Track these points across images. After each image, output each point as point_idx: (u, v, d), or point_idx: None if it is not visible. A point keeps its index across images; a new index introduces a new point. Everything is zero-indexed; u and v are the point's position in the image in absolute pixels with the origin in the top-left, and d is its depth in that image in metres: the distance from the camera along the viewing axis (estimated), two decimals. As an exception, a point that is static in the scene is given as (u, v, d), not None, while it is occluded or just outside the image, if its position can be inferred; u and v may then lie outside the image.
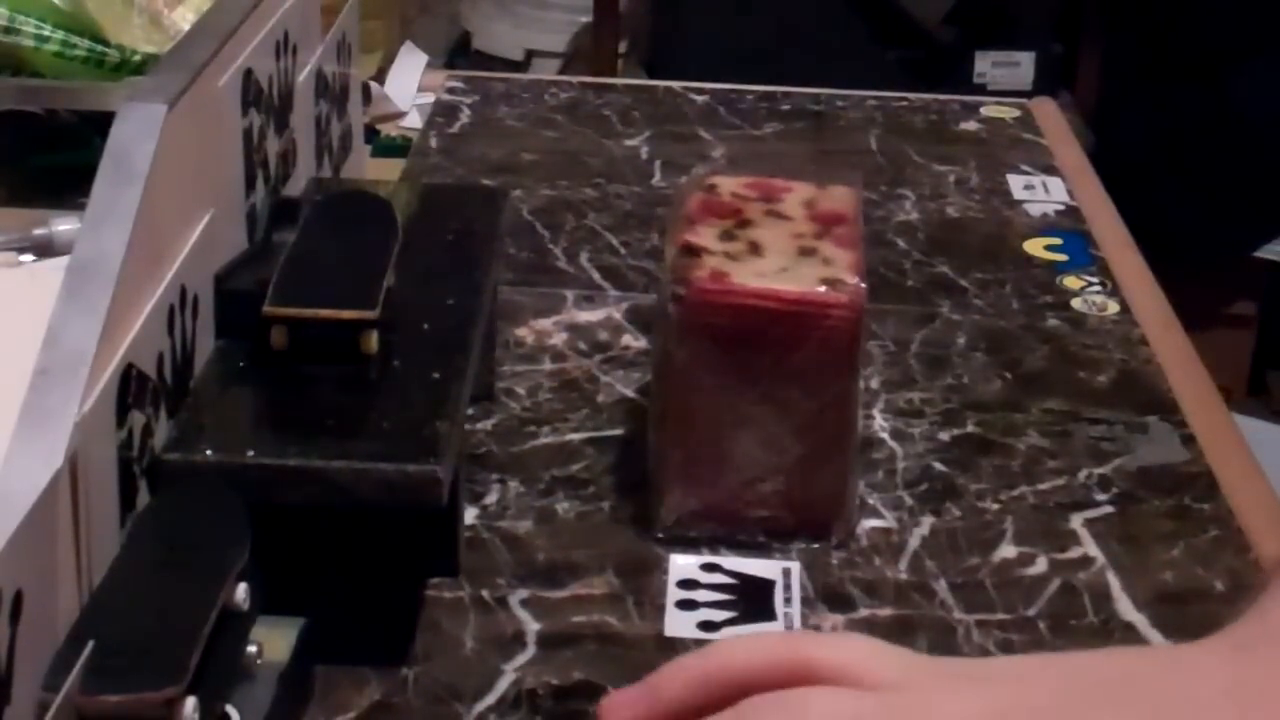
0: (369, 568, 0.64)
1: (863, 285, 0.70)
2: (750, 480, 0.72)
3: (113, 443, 0.58)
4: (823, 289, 0.70)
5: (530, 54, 2.78)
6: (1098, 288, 0.98)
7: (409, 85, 1.27)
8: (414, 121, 1.22)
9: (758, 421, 0.71)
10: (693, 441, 0.72)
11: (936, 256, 1.01)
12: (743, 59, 2.06)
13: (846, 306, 0.69)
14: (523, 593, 0.70)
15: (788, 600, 0.70)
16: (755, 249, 0.72)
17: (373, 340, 0.66)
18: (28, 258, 0.97)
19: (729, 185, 0.76)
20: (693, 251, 0.71)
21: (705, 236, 0.72)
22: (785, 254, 0.71)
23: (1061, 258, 1.01)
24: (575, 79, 1.31)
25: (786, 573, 0.71)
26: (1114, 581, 0.72)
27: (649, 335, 0.89)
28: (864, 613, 0.69)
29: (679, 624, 0.68)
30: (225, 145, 0.72)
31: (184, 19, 1.07)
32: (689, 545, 0.73)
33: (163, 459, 0.61)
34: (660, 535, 0.73)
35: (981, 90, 2.15)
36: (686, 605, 0.69)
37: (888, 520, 0.75)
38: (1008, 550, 0.74)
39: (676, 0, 2.33)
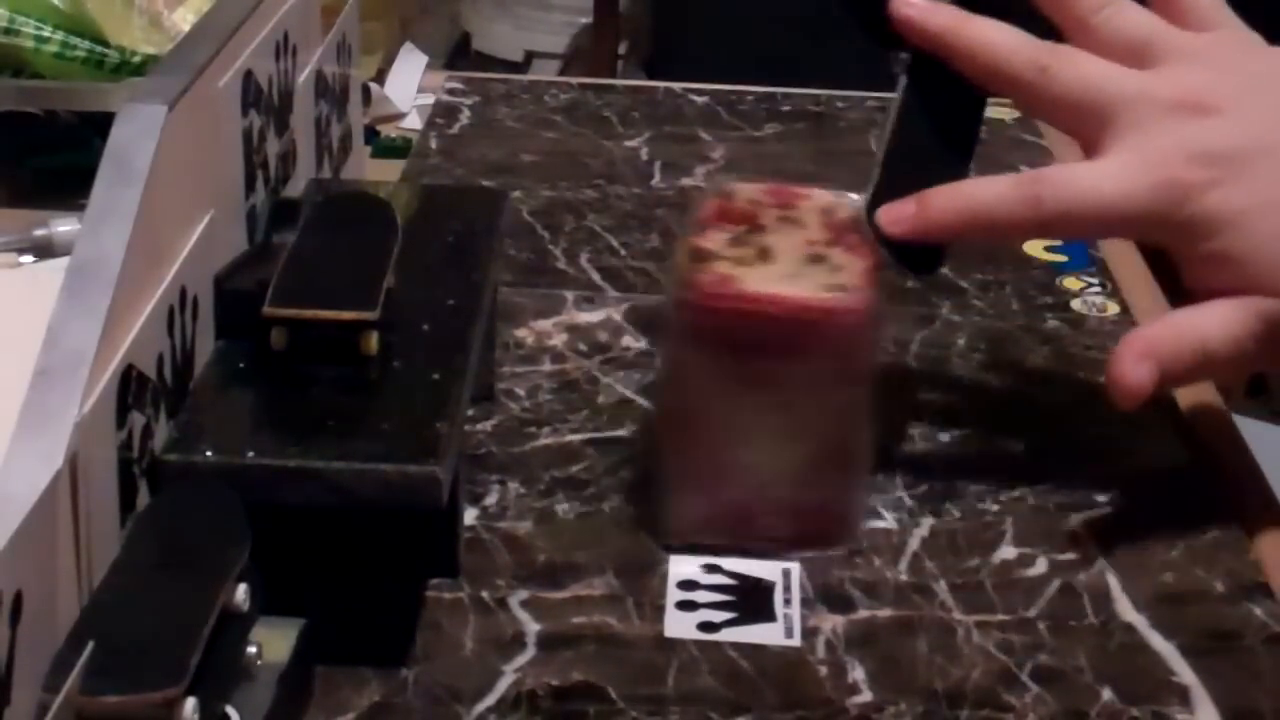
0: (369, 568, 0.64)
1: (871, 292, 0.69)
2: (755, 489, 0.71)
3: (113, 443, 0.58)
4: (827, 295, 0.69)
5: (530, 55, 2.79)
6: (1098, 289, 0.98)
7: (409, 86, 1.27)
8: (414, 122, 1.22)
9: (762, 429, 0.70)
10: (699, 449, 0.71)
11: (936, 257, 1.01)
12: (743, 59, 2.06)
13: (851, 313, 0.69)
14: (522, 593, 0.70)
15: (787, 601, 0.70)
16: (765, 255, 0.71)
17: (373, 341, 0.66)
18: (28, 259, 0.97)
19: (746, 192, 0.75)
20: (701, 256, 0.71)
21: (715, 241, 0.72)
22: (794, 260, 0.71)
23: (1061, 258, 1.01)
24: (575, 80, 1.31)
25: (786, 574, 0.71)
26: (1114, 582, 0.72)
27: (649, 336, 0.89)
28: (864, 613, 0.69)
29: (679, 625, 0.68)
30: (225, 146, 0.72)
31: (184, 20, 1.07)
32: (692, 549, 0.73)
33: (163, 460, 0.61)
34: (669, 545, 0.73)
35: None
36: (686, 606, 0.69)
37: (888, 521, 0.75)
38: (1008, 551, 0.74)
39: (676, 1, 2.33)
